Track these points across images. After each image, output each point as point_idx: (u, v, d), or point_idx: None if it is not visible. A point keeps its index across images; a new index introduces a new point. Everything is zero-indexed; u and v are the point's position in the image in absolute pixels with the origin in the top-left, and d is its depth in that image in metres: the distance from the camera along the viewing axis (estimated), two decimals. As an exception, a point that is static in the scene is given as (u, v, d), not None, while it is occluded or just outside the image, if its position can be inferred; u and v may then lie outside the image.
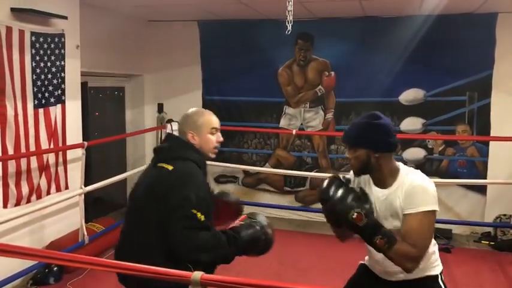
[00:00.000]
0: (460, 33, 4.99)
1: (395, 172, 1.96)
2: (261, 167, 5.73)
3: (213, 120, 2.18)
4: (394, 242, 1.79)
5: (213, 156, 2.18)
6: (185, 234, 1.87)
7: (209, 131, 2.14)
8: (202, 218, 1.89)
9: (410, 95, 5.23)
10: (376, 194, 1.98)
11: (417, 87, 5.20)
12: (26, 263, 3.59)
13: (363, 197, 1.88)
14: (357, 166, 1.97)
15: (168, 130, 5.45)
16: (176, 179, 1.96)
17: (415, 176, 1.94)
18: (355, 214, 1.79)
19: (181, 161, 2.04)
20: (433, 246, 2.02)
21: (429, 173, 5.17)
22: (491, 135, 5.00)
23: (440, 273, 2.05)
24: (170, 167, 2.01)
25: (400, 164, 2.00)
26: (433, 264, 2.03)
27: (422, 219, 1.85)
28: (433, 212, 1.87)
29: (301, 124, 5.62)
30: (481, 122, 5.06)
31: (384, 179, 1.96)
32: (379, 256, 1.93)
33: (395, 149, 2.01)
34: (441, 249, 4.58)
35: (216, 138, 2.16)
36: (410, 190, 1.88)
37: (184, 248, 1.87)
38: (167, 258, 1.87)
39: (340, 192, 1.86)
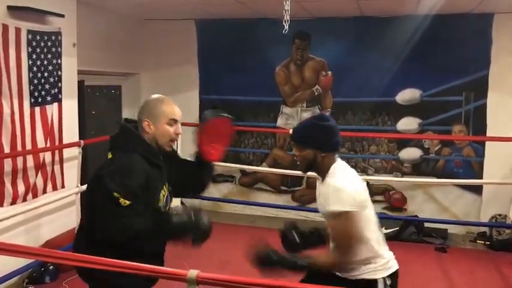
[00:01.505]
0: (456, 33, 5.01)
1: (329, 168, 2.08)
2: (258, 166, 5.74)
3: (174, 110, 2.04)
4: (315, 265, 1.98)
5: (169, 149, 2.06)
6: (108, 219, 1.82)
7: (167, 121, 2.00)
8: (127, 202, 1.81)
9: (406, 95, 5.24)
10: (318, 188, 2.16)
11: (414, 87, 5.21)
12: (21, 262, 3.58)
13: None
14: (304, 164, 2.11)
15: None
16: (108, 170, 1.90)
17: (333, 178, 2.02)
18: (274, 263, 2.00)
19: (121, 152, 1.97)
20: (371, 245, 2.04)
21: (425, 173, 5.25)
22: (488, 135, 5.02)
23: (386, 277, 2.05)
24: (110, 156, 1.97)
25: (338, 162, 2.10)
26: (374, 268, 2.05)
27: (337, 218, 1.94)
28: (345, 213, 1.91)
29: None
30: (477, 122, 5.07)
31: (323, 175, 2.10)
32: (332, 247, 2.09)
33: (338, 149, 2.15)
34: (437, 249, 4.65)
35: (174, 130, 2.03)
36: (326, 192, 1.99)
37: (108, 233, 1.83)
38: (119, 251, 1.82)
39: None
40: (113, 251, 1.76)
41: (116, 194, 1.80)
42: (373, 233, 2.06)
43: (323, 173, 2.09)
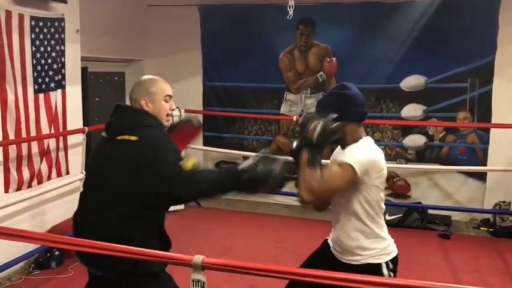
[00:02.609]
0: (462, 19, 4.96)
1: (356, 140, 2.05)
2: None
3: (167, 87, 2.12)
4: (314, 167, 1.87)
5: (167, 124, 2.11)
6: (182, 177, 1.86)
7: (163, 98, 2.07)
8: (189, 165, 1.90)
9: (411, 82, 5.21)
10: (335, 156, 2.15)
11: (418, 74, 5.18)
12: (28, 247, 3.62)
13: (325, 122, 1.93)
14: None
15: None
16: (147, 148, 1.90)
17: (359, 144, 2.02)
18: (312, 126, 1.87)
19: (143, 128, 1.97)
20: (377, 226, 2.07)
21: (429, 160, 5.23)
22: (493, 122, 4.99)
23: (388, 262, 2.06)
24: (134, 138, 1.93)
25: (366, 137, 2.08)
26: (378, 252, 2.05)
27: (341, 167, 1.94)
28: (349, 166, 1.92)
29: (302, 110, 5.60)
30: (482, 109, 5.04)
31: (345, 144, 2.07)
32: (337, 231, 2.10)
33: (362, 119, 2.10)
34: (440, 236, 4.67)
35: (169, 106, 2.10)
36: (347, 150, 2.02)
37: (186, 189, 1.87)
38: (140, 229, 1.90)
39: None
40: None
41: (181, 163, 1.88)
42: (381, 213, 2.10)
43: (346, 142, 2.05)
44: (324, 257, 2.19)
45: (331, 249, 2.19)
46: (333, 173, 1.96)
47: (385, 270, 2.03)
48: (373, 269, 2.02)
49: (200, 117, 5.90)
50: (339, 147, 2.15)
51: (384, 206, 2.12)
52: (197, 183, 1.89)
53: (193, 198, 2.00)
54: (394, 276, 2.06)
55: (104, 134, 2.08)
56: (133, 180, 1.88)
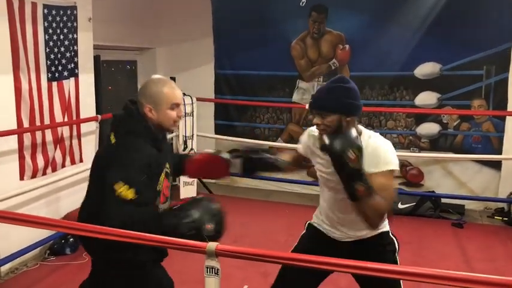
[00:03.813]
0: (478, 5, 4.86)
1: (359, 134, 1.96)
2: (274, 141, 5.72)
3: (175, 95, 1.99)
4: (372, 193, 1.78)
5: (173, 129, 2.07)
6: (111, 207, 1.80)
7: (169, 106, 1.97)
8: (130, 194, 1.77)
9: (426, 69, 5.13)
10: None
11: (433, 61, 5.09)
12: (43, 234, 3.68)
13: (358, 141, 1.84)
14: (328, 132, 1.92)
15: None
16: (115, 155, 1.89)
17: (376, 139, 1.99)
18: (352, 154, 1.75)
19: (126, 135, 1.94)
20: None
21: (443, 149, 5.18)
22: (509, 110, 4.91)
23: (390, 229, 2.16)
24: (113, 140, 1.94)
25: (361, 127, 2.05)
26: (385, 222, 2.11)
27: (388, 176, 1.90)
28: (396, 171, 1.94)
29: (314, 98, 5.56)
30: (498, 97, 4.96)
31: None
32: (338, 215, 2.07)
33: (360, 113, 2.05)
34: (454, 225, 4.63)
35: (176, 113, 2.00)
36: (375, 152, 1.92)
37: (108, 221, 1.77)
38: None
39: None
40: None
41: (119, 186, 1.77)
42: None
43: None
44: (319, 241, 2.17)
45: (326, 234, 2.16)
46: (388, 187, 1.89)
47: (392, 236, 2.14)
48: (385, 236, 2.11)
49: (212, 105, 5.91)
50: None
51: None
52: (120, 212, 1.78)
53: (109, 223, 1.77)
54: (397, 240, 2.16)
55: None
56: (101, 175, 1.90)
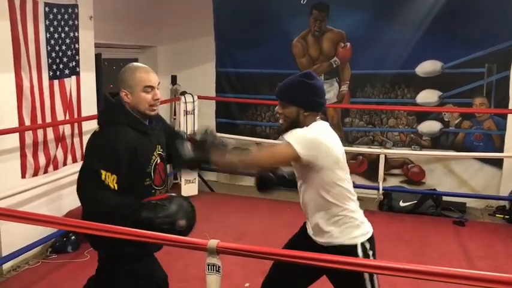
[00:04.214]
0: (480, 3, 4.85)
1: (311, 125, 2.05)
2: (275, 139, 5.72)
3: (147, 77, 2.03)
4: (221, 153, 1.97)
5: (152, 113, 2.06)
6: (88, 183, 1.93)
7: (142, 89, 2.01)
8: (108, 178, 1.89)
9: (427, 67, 5.13)
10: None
11: (435, 59, 5.09)
12: (45, 232, 3.69)
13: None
14: (286, 123, 2.06)
15: (182, 102, 5.45)
16: (92, 143, 2.01)
17: (308, 128, 2.02)
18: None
19: (108, 124, 2.03)
20: (344, 224, 2.02)
21: (445, 146, 5.18)
22: (510, 108, 4.90)
23: (364, 242, 2.02)
24: (97, 131, 2.05)
25: (319, 121, 2.08)
26: (350, 232, 2.02)
27: (278, 145, 2.02)
28: (288, 144, 1.93)
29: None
30: (500, 95, 4.95)
31: None
32: (307, 214, 2.12)
33: (322, 110, 2.11)
34: (455, 223, 4.63)
35: (151, 96, 2.03)
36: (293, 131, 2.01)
37: (85, 206, 1.96)
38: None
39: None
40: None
41: (97, 170, 1.89)
42: (346, 193, 2.04)
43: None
44: (302, 240, 2.17)
45: (308, 231, 2.17)
46: (273, 149, 2.05)
47: (359, 252, 1.99)
48: (347, 250, 1.97)
49: (213, 103, 5.91)
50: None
51: (348, 187, 2.04)
52: (96, 198, 1.90)
53: (84, 206, 1.96)
54: (374, 256, 2.03)
55: None
56: None
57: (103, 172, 1.87)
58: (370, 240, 2.04)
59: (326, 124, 2.09)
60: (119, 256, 2.04)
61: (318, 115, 2.08)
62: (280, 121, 2.10)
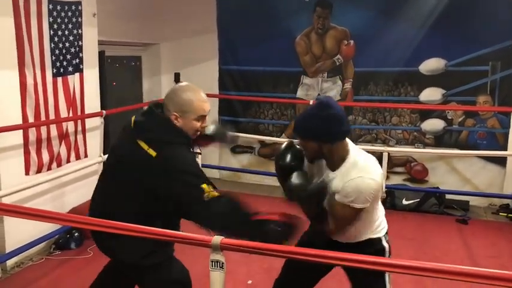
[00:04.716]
0: (483, 0, 4.83)
1: (344, 157, 1.97)
2: (278, 137, 5.72)
3: (203, 107, 2.03)
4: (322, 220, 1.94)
5: (194, 137, 2.06)
6: (203, 205, 1.84)
7: (196, 117, 2.00)
8: (210, 189, 1.87)
9: (431, 65, 5.11)
10: (327, 174, 2.01)
11: (438, 57, 5.07)
12: (49, 229, 3.70)
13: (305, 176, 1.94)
14: (310, 156, 2.00)
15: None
16: (165, 167, 1.88)
17: (360, 172, 1.91)
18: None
19: (165, 146, 1.92)
20: (376, 215, 2.09)
21: (448, 145, 5.17)
22: (514, 106, 4.90)
23: (385, 235, 2.13)
24: (153, 153, 1.89)
25: (351, 147, 2.00)
26: (376, 229, 2.10)
27: (348, 211, 1.92)
28: (361, 209, 1.92)
29: (319, 94, 5.55)
30: (504, 93, 4.94)
31: (333, 163, 1.99)
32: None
33: (346, 136, 1.99)
34: (458, 221, 4.62)
35: (200, 124, 2.04)
36: (349, 186, 1.90)
37: (205, 219, 1.85)
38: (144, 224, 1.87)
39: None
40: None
41: (203, 187, 1.85)
42: (379, 203, 2.10)
43: (334, 161, 1.98)
44: (316, 239, 2.15)
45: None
46: (342, 216, 1.94)
47: (384, 243, 2.10)
48: (375, 243, 2.08)
49: (216, 101, 5.91)
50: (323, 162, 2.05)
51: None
52: (222, 213, 1.84)
53: (213, 228, 1.81)
54: (389, 247, 2.12)
55: (132, 125, 2.04)
56: (142, 191, 1.91)
57: (206, 192, 1.85)
58: (386, 234, 2.15)
59: (362, 152, 2.02)
60: (146, 266, 2.01)
61: (343, 142, 1.97)
62: (304, 152, 2.02)
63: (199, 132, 2.07)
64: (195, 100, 1.99)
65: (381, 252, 2.08)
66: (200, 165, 2.15)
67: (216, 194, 1.86)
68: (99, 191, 2.15)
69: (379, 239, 2.10)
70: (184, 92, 2.02)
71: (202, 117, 2.03)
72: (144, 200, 1.93)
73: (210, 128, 2.24)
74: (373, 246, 2.07)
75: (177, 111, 1.97)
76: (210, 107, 2.14)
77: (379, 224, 2.12)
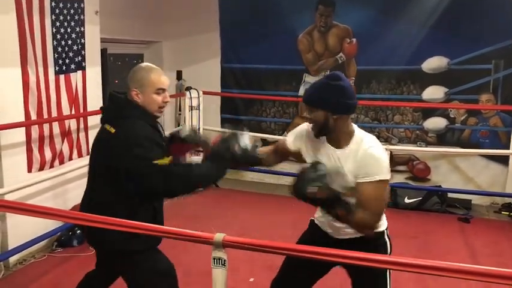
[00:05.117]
0: (487, -2, 4.83)
1: (350, 134, 1.98)
2: (280, 135, 5.72)
3: (161, 80, 2.07)
4: (353, 212, 1.79)
5: (159, 115, 2.11)
6: (154, 170, 1.92)
7: (154, 90, 2.05)
8: (166, 160, 1.95)
9: (433, 63, 5.10)
10: (329, 151, 2.01)
11: (441, 55, 5.06)
12: (51, 226, 3.71)
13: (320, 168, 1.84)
14: (316, 128, 1.99)
15: (187, 97, 5.45)
16: (121, 141, 1.96)
17: (369, 143, 1.94)
18: (313, 189, 1.76)
19: (123, 120, 2.01)
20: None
21: (450, 143, 5.16)
22: (517, 104, 4.88)
23: (386, 229, 2.12)
24: (112, 130, 2.00)
25: (355, 127, 2.02)
26: (380, 222, 2.07)
27: (377, 187, 1.88)
28: (387, 180, 1.91)
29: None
30: (506, 91, 4.92)
31: (339, 140, 1.99)
32: (328, 218, 2.01)
33: (353, 111, 2.04)
34: (460, 220, 4.62)
35: (162, 99, 2.08)
36: (365, 159, 1.90)
37: (158, 186, 1.94)
38: (128, 212, 1.94)
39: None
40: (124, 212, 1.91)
41: (153, 159, 1.91)
42: None
43: (338, 136, 1.98)
44: (318, 237, 2.16)
45: (322, 228, 2.17)
46: (377, 196, 1.89)
47: (386, 237, 2.10)
48: (377, 238, 2.06)
49: (218, 99, 5.91)
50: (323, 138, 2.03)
51: None
52: (176, 175, 1.95)
53: (173, 190, 1.98)
54: (390, 242, 2.11)
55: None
56: (111, 171, 1.98)
57: (159, 161, 1.91)
58: (387, 227, 2.15)
59: (362, 131, 2.02)
60: (127, 252, 2.04)
61: (349, 118, 1.98)
62: (311, 126, 2.02)
63: (163, 109, 2.11)
64: (151, 74, 2.07)
65: (383, 246, 2.08)
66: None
67: (165, 162, 1.94)
68: (86, 185, 2.23)
69: (381, 233, 2.10)
70: (142, 68, 2.11)
71: (161, 91, 2.07)
72: (116, 181, 1.98)
73: (185, 131, 2.30)
74: (375, 241, 2.07)
75: (136, 87, 2.05)
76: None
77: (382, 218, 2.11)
